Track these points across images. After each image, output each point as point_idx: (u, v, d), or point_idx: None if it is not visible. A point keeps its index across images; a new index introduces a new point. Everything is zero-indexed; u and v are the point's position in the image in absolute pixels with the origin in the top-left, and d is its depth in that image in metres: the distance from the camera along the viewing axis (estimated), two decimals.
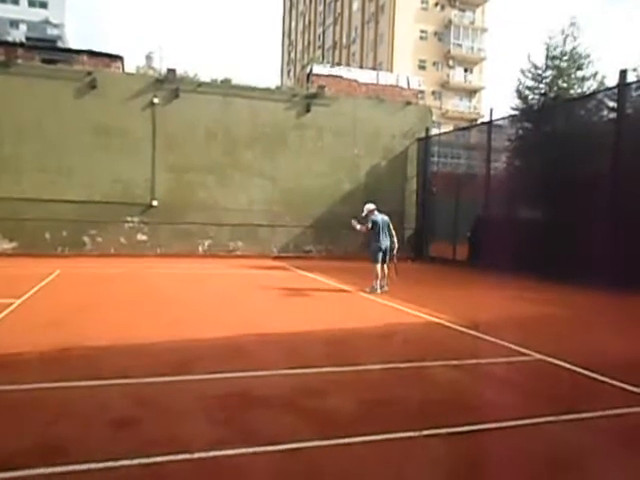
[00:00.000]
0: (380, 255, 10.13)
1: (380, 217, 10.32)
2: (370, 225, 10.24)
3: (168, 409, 3.81)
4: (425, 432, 3.44)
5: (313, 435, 3.37)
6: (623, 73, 11.49)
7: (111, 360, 5.04)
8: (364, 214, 10.48)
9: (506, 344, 5.98)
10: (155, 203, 16.37)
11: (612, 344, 6.45)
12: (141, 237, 16.42)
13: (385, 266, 10.20)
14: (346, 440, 3.30)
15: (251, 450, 3.13)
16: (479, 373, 5.17)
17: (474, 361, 5.45)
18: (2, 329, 6.11)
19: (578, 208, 12.20)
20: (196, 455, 3.04)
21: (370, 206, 10.50)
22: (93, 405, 3.85)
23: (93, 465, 2.87)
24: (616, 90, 12.01)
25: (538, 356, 5.49)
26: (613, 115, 12.50)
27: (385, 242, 10.17)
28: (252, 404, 3.94)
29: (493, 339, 6.24)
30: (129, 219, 16.27)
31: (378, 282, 10.02)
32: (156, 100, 16.34)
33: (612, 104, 12.75)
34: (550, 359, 5.37)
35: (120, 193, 16.04)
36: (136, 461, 2.94)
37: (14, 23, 59.24)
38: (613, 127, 12.10)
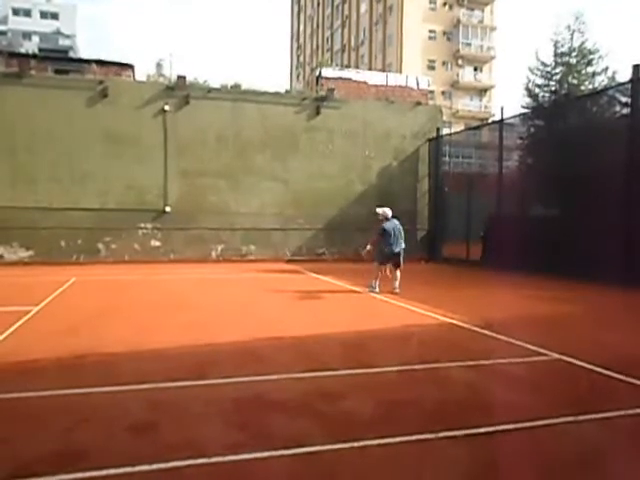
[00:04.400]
0: (386, 257, 10.19)
1: (392, 224, 10.26)
2: (380, 232, 10.24)
3: (185, 414, 3.83)
4: (442, 434, 3.42)
5: (329, 438, 3.37)
6: (637, 68, 11.35)
7: (128, 366, 5.07)
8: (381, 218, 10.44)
9: (522, 344, 5.93)
10: (168, 209, 16.49)
11: (630, 342, 6.37)
12: (155, 243, 16.54)
13: (398, 270, 10.22)
14: (362, 443, 3.29)
15: (267, 454, 3.14)
16: (496, 374, 5.12)
17: (490, 361, 5.41)
18: (20, 336, 6.19)
19: (592, 205, 12.08)
20: (213, 459, 3.05)
21: (385, 211, 10.41)
22: (111, 411, 3.88)
23: (112, 471, 2.90)
24: (629, 85, 11.87)
25: (555, 355, 5.44)
26: (626, 110, 12.36)
27: (397, 247, 10.17)
28: (268, 408, 3.95)
29: (509, 339, 6.18)
30: (142, 225, 16.40)
31: (377, 282, 10.15)
32: (167, 107, 16.47)
33: (625, 99, 12.61)
34: (568, 358, 5.31)
35: (133, 200, 16.18)
36: (154, 466, 2.96)
37: (27, 35, 60.14)
38: (626, 122, 11.96)
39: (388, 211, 10.39)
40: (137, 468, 2.93)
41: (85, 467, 2.93)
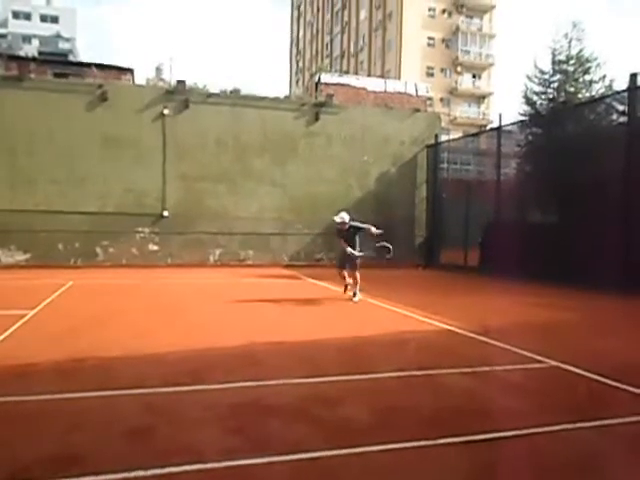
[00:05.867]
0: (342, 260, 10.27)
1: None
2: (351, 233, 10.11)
3: (182, 419, 3.81)
4: (440, 441, 3.42)
5: (326, 444, 3.36)
6: (633, 76, 11.42)
7: (125, 370, 5.06)
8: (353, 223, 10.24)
9: (520, 351, 5.93)
10: (166, 213, 16.49)
11: (628, 350, 6.38)
12: (152, 247, 16.52)
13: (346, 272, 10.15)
14: (360, 449, 3.28)
15: (265, 460, 3.13)
16: (493, 380, 5.12)
17: (488, 368, 5.41)
18: (17, 340, 6.17)
19: (590, 213, 12.11)
20: (209, 465, 3.04)
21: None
22: (108, 415, 3.87)
23: (108, 476, 2.88)
24: (626, 93, 11.93)
25: (553, 363, 5.44)
26: (623, 118, 12.42)
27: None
28: (265, 413, 3.94)
29: (506, 346, 6.18)
30: (140, 230, 16.39)
31: (357, 287, 9.97)
32: (166, 111, 16.50)
33: (622, 107, 12.66)
34: (565, 366, 5.31)
35: (131, 204, 16.18)
36: (150, 472, 2.94)
37: (27, 38, 60.26)
38: (624, 131, 12.02)
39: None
40: (133, 473, 2.91)
41: (82, 472, 2.91)
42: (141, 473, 2.92)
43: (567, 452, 3.42)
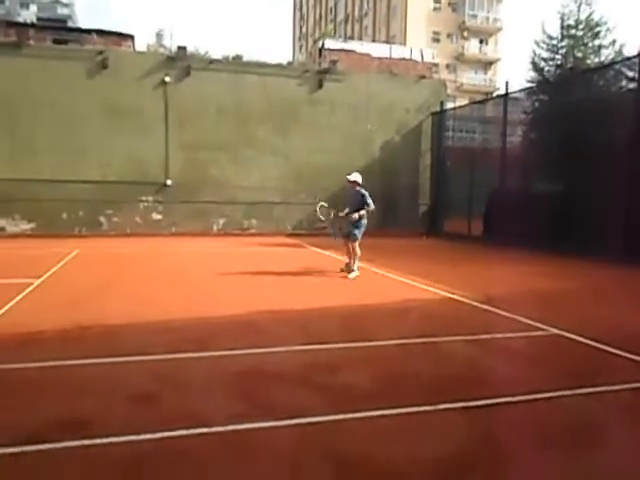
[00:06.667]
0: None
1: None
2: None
3: (187, 385, 3.88)
4: (441, 406, 3.47)
5: (329, 409, 3.41)
6: None
7: (130, 337, 5.12)
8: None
9: (522, 319, 5.96)
10: (169, 182, 16.43)
11: (629, 318, 6.40)
12: (156, 216, 16.53)
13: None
14: (362, 414, 3.33)
15: (269, 424, 3.19)
16: (495, 348, 5.17)
17: (489, 336, 5.45)
18: (23, 308, 6.23)
19: (595, 181, 12.00)
20: (214, 429, 3.10)
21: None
22: (113, 381, 3.93)
23: (114, 439, 2.95)
24: (636, 59, 11.67)
25: (554, 330, 5.47)
26: (633, 85, 12.18)
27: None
28: (269, 380, 4.00)
29: (508, 314, 6.22)
30: (144, 199, 16.37)
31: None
32: (168, 78, 16.27)
33: (631, 74, 12.40)
34: (566, 333, 5.35)
35: (135, 173, 16.10)
36: (157, 435, 3.01)
37: (24, 4, 59.04)
38: (632, 97, 11.80)
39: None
40: (140, 437, 2.98)
41: (89, 435, 2.98)
42: (147, 436, 2.99)
43: (566, 418, 3.47)
